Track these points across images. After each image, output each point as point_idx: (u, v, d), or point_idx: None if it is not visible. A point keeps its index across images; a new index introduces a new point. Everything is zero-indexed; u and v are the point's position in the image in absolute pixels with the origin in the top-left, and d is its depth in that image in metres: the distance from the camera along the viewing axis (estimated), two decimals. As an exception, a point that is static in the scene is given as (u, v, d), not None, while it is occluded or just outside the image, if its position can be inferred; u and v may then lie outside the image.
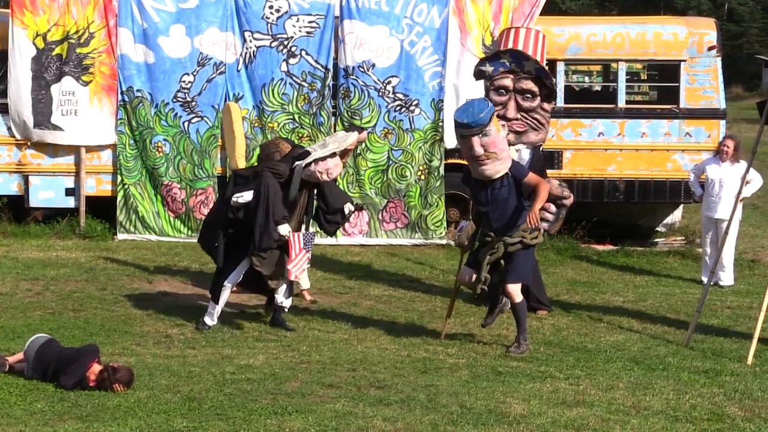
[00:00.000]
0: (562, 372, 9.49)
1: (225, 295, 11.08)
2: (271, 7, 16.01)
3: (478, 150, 9.89)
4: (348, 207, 11.47)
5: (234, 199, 10.93)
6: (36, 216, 16.80)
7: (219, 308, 11.06)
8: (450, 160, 15.99)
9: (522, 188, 10.12)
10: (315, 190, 11.27)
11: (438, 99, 15.97)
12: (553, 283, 13.51)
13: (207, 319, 11.02)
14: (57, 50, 16.02)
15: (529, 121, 11.54)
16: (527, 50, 11.92)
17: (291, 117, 16.05)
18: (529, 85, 11.52)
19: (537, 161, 11.38)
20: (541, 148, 11.95)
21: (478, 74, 11.82)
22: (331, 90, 16.05)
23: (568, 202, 11.14)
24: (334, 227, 11.81)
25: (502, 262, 10.23)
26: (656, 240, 17.05)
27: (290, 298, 11.38)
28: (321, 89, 16.00)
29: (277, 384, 8.88)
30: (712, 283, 11.81)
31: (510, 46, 12.01)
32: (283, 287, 11.20)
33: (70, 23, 16.03)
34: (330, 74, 15.99)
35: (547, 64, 16.33)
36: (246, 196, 10.86)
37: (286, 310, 11.33)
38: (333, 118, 16.07)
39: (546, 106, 11.66)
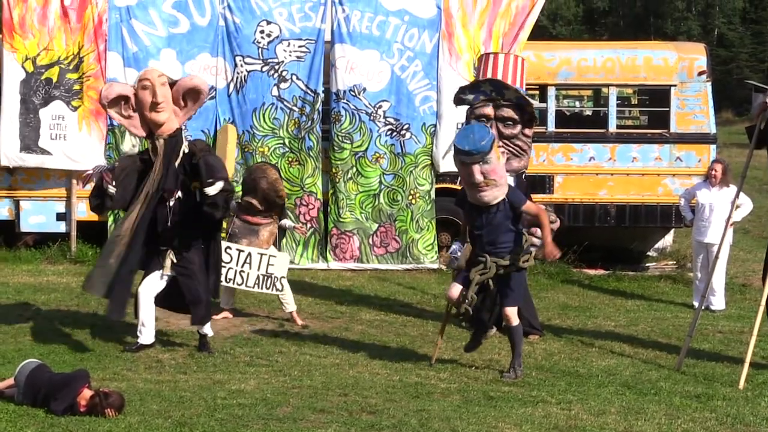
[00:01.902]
0: (553, 397, 9.47)
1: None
2: (262, 31, 16.04)
3: (478, 177, 9.87)
4: (218, 186, 10.50)
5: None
6: (27, 241, 16.76)
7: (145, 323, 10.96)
8: (440, 185, 16.00)
9: (519, 215, 10.11)
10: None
11: (429, 123, 16.00)
12: (544, 307, 13.51)
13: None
14: (46, 74, 16.04)
15: (511, 148, 11.53)
16: (506, 76, 11.92)
17: (281, 142, 16.05)
18: (509, 112, 11.50)
19: (521, 188, 11.36)
20: (523, 175, 11.97)
21: (458, 101, 11.83)
22: (321, 114, 16.05)
23: (555, 226, 11.15)
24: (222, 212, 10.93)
25: (491, 285, 10.21)
26: (647, 264, 17.08)
27: (207, 326, 11.07)
28: (310, 113, 16.02)
29: (268, 409, 8.85)
30: (703, 308, 11.80)
31: (489, 72, 12.00)
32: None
33: (60, 48, 16.05)
34: (320, 98, 16.01)
35: (537, 89, 16.47)
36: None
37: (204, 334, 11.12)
38: (324, 143, 16.05)
39: (527, 131, 11.67)
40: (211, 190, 10.43)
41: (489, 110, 11.53)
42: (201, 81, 11.24)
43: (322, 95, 16.05)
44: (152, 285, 10.99)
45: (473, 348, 10.65)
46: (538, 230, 10.67)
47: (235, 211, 12.63)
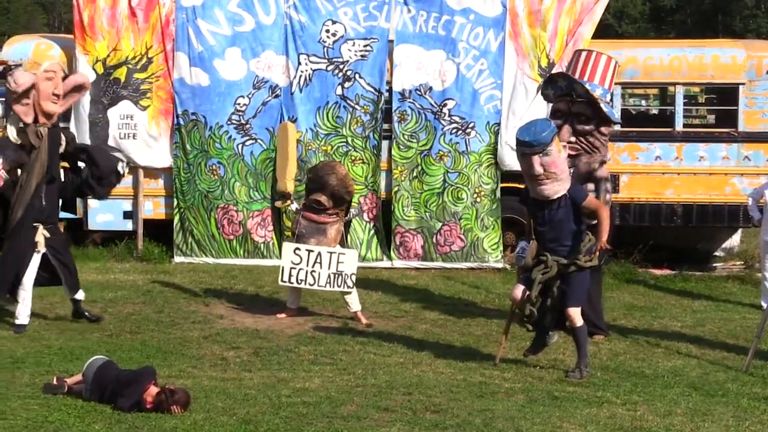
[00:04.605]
0: (619, 397, 9.41)
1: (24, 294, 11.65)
2: (327, 31, 16.11)
3: (538, 169, 9.87)
4: (121, 166, 12.36)
5: None
6: (94, 239, 16.95)
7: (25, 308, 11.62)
8: (505, 184, 15.94)
9: (580, 211, 10.08)
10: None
11: (494, 122, 15.96)
12: (610, 307, 13.41)
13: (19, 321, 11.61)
14: (115, 74, 16.21)
15: (583, 145, 11.50)
16: (595, 75, 11.82)
17: (344, 140, 16.09)
18: (582, 108, 11.50)
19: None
20: (595, 172, 11.89)
21: (545, 98, 11.96)
22: (383, 113, 16.07)
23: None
24: (108, 188, 12.32)
25: (555, 290, 10.17)
26: (715, 265, 16.90)
27: (80, 291, 12.08)
28: (374, 112, 16.04)
29: (332, 407, 8.87)
30: (771, 309, 11.66)
31: (579, 67, 11.91)
32: (64, 283, 11.86)
33: (128, 48, 16.23)
34: (383, 97, 16.03)
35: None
36: None
37: (81, 300, 12.12)
38: (387, 141, 16.07)
39: (604, 129, 11.62)
40: (122, 170, 12.06)
41: (563, 105, 11.53)
42: (86, 78, 12.73)
43: (386, 94, 16.07)
44: (35, 265, 11.64)
45: (534, 352, 10.59)
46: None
47: (299, 212, 12.68)
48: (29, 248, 11.59)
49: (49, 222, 11.74)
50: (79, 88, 12.10)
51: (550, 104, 12.12)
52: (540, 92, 12.05)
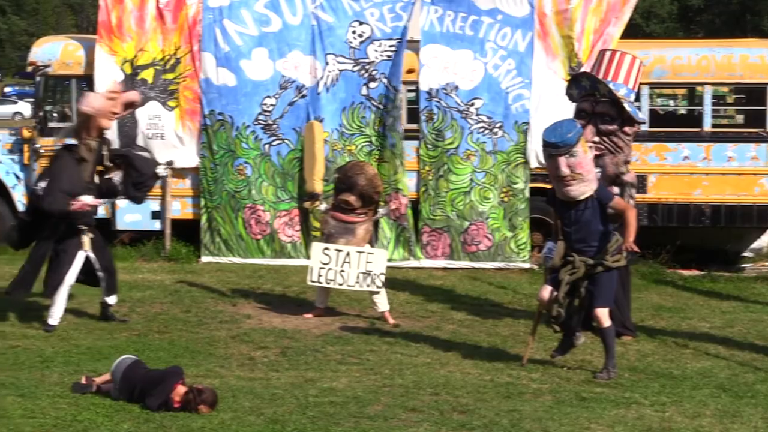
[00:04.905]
0: (647, 398, 9.38)
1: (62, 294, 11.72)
2: (354, 32, 16.12)
3: (564, 170, 9.86)
4: (161, 168, 12.65)
5: (36, 188, 11.66)
6: (122, 239, 17.03)
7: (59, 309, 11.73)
8: (534, 184, 15.92)
9: (607, 212, 10.06)
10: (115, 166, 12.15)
11: (522, 121, 15.93)
12: (637, 308, 13.36)
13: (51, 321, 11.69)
14: (142, 75, 16.27)
15: (607, 145, 11.48)
16: (619, 74, 11.79)
17: (368, 140, 16.11)
18: (606, 108, 11.48)
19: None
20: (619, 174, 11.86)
21: (569, 97, 11.93)
22: (400, 111, 16.05)
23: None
24: (146, 192, 12.65)
25: (583, 290, 10.15)
26: (743, 265, 16.80)
27: (114, 296, 12.19)
28: (392, 111, 16.04)
29: (359, 407, 8.88)
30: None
31: (603, 67, 11.88)
32: (103, 285, 12.00)
33: (156, 49, 16.30)
34: (399, 95, 16.02)
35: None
36: (41, 183, 11.59)
37: (112, 305, 12.20)
38: (413, 141, 16.06)
39: (628, 129, 11.59)
40: (162, 172, 12.45)
41: (587, 105, 11.52)
42: (138, 96, 13.18)
43: (404, 92, 16.07)
44: (78, 266, 11.81)
45: (562, 353, 10.57)
46: None
47: (328, 212, 12.70)
48: (77, 250, 11.77)
49: (89, 224, 11.95)
50: (130, 105, 12.51)
51: (574, 104, 12.11)
52: (567, 92, 12.01)
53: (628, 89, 11.69)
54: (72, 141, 12.12)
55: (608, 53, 12.07)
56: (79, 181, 11.67)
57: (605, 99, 11.49)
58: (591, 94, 11.60)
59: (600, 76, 11.67)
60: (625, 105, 11.48)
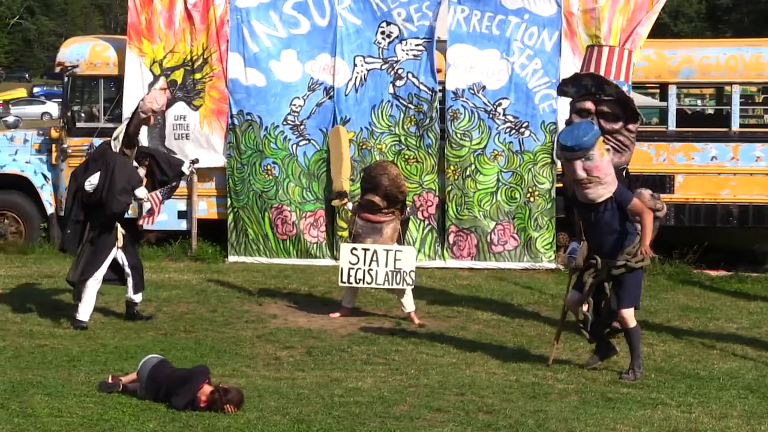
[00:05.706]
0: (673, 399, 9.34)
1: (91, 291, 11.85)
2: (382, 32, 16.14)
3: (581, 174, 9.82)
4: (186, 166, 12.66)
5: (86, 184, 11.67)
6: (149, 239, 17.10)
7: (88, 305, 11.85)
8: (560, 184, 15.88)
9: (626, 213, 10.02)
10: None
11: (549, 121, 15.90)
12: (664, 308, 13.33)
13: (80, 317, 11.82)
14: (172, 76, 16.31)
15: (612, 143, 11.39)
16: (609, 69, 11.76)
17: (397, 139, 16.12)
18: (610, 107, 11.36)
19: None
20: (624, 172, 11.76)
21: (560, 93, 11.75)
22: (438, 112, 16.07)
23: (661, 213, 11.08)
24: (172, 192, 12.92)
25: (608, 291, 10.11)
26: (772, 266, 16.72)
27: (140, 294, 12.31)
28: (428, 111, 16.04)
29: (385, 407, 8.88)
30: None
31: (592, 65, 11.85)
32: (130, 282, 12.14)
33: (185, 50, 16.36)
34: (437, 96, 16.02)
35: (658, 87, 16.22)
36: (93, 179, 11.67)
37: (137, 303, 12.30)
38: (441, 141, 16.07)
39: (631, 127, 11.49)
40: (186, 169, 12.67)
41: (589, 105, 11.41)
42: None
43: (440, 94, 16.07)
44: (109, 261, 12.00)
45: (602, 358, 10.46)
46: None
47: (356, 211, 12.72)
48: (112, 245, 11.95)
49: (121, 222, 12.16)
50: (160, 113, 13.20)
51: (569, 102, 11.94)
52: (558, 88, 11.83)
53: (629, 85, 11.68)
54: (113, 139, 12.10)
55: (596, 49, 12.05)
56: (133, 175, 11.86)
57: (609, 98, 11.37)
58: (591, 94, 11.46)
59: (594, 73, 11.60)
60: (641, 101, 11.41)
